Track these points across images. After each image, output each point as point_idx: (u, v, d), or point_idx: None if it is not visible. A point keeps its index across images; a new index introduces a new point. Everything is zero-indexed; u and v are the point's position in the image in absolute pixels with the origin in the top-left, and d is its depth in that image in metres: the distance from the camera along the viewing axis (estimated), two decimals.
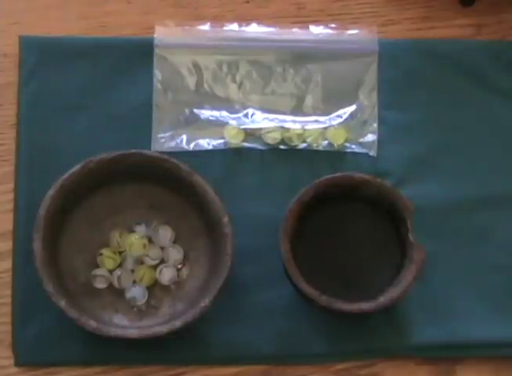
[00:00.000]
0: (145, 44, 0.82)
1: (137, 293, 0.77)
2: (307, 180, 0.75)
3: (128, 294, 0.77)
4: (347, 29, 0.83)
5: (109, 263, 0.77)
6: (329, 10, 0.84)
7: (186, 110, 0.81)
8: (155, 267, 0.78)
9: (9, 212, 0.79)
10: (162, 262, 0.78)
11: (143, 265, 0.78)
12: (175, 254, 0.78)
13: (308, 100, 0.82)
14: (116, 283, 0.77)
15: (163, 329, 0.72)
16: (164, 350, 0.76)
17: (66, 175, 0.74)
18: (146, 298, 0.77)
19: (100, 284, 0.77)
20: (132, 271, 0.77)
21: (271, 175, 0.80)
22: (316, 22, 0.84)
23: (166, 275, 0.77)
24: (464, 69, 0.83)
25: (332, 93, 0.82)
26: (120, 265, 0.77)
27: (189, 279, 0.77)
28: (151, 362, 0.77)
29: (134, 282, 0.77)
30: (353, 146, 0.81)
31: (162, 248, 0.78)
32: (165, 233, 0.78)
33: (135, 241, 0.77)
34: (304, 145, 0.81)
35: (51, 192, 0.73)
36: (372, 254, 0.77)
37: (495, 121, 0.83)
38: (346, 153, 0.81)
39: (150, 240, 0.78)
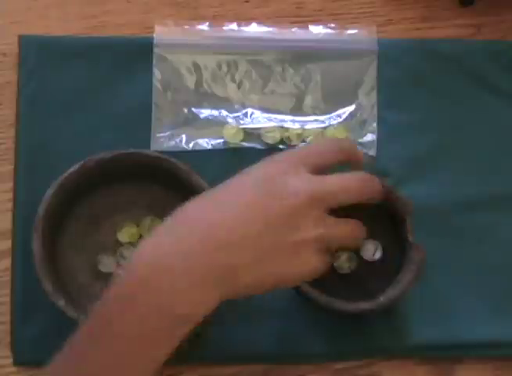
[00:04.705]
0: (144, 43, 0.82)
1: None
2: None
3: None
4: (347, 29, 0.83)
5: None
6: (329, 10, 0.84)
7: (185, 110, 0.81)
8: None
9: (8, 211, 0.79)
10: None
11: None
12: None
13: (308, 100, 0.82)
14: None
15: None
16: None
17: (65, 175, 0.74)
18: None
19: (105, 268, 0.77)
20: None
21: None
22: (316, 21, 0.84)
23: None
24: (464, 69, 0.83)
25: (331, 93, 0.82)
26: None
27: None
28: None
29: None
30: None
31: None
32: None
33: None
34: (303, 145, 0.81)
35: (50, 191, 0.73)
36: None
37: (495, 121, 0.83)
38: None
39: None
